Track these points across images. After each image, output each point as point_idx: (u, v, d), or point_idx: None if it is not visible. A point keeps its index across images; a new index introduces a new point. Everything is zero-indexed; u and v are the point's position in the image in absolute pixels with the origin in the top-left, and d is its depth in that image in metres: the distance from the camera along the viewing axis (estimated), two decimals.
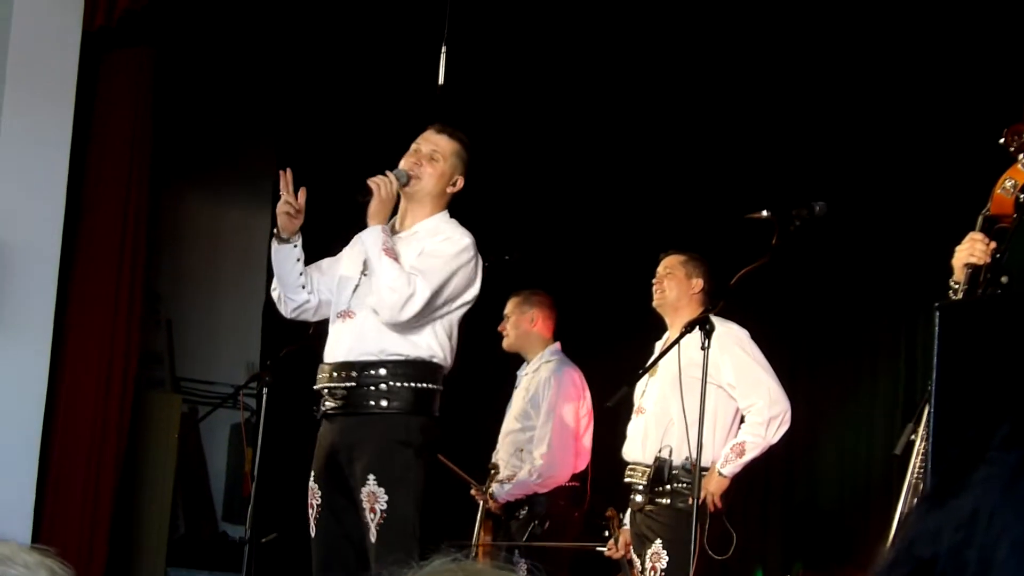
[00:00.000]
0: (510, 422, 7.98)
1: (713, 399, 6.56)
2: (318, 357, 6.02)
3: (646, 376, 6.81)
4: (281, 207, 5.90)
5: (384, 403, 5.77)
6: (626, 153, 10.34)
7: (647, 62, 9.91)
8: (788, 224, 6.20)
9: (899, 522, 4.58)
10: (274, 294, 6.14)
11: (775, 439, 6.68)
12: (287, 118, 10.21)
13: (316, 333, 7.68)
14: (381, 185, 5.87)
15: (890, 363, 8.85)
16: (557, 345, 8.07)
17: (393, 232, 6.00)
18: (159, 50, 9.05)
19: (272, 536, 8.41)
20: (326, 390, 5.88)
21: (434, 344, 5.86)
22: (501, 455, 7.96)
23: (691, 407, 6.36)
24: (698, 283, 7.02)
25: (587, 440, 7.89)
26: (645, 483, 6.67)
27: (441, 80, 7.83)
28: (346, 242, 6.24)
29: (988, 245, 4.53)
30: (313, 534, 5.89)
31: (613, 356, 10.40)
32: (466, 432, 9.86)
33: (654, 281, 7.11)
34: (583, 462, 7.82)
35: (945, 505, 0.96)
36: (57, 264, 8.16)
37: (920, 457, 4.43)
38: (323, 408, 5.88)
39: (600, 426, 8.04)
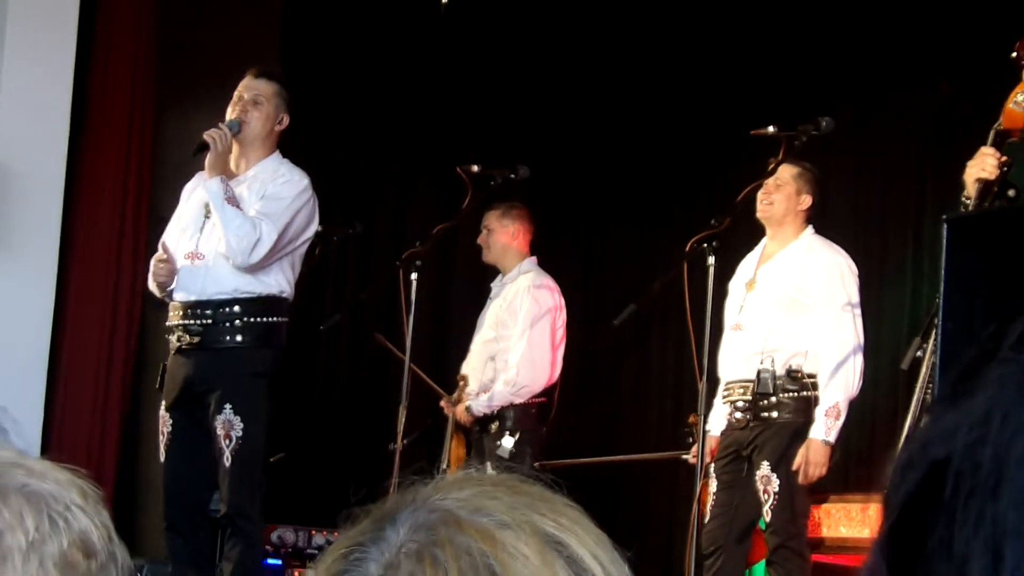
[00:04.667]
0: (484, 331, 7.94)
1: (807, 319, 6.51)
2: (320, 281, 6.18)
3: (743, 290, 6.69)
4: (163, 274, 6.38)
5: (239, 338, 6.22)
6: (631, 71, 10.31)
7: None
8: (794, 140, 6.17)
9: (908, 435, 4.58)
10: (151, 286, 6.55)
11: (857, 388, 6.54)
12: (290, 37, 10.16)
13: (322, 255, 7.71)
14: (217, 139, 6.25)
15: (897, 277, 8.86)
16: (534, 258, 8.01)
17: (231, 177, 6.37)
18: None
19: (280, 456, 8.45)
20: (181, 327, 6.28)
21: (282, 280, 6.32)
22: (472, 364, 7.93)
23: (790, 324, 6.48)
24: (806, 200, 6.68)
25: (560, 354, 7.86)
26: (748, 398, 6.53)
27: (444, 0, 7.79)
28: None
29: (999, 159, 4.51)
30: (163, 459, 6.35)
31: (605, 277, 10.42)
32: (435, 343, 9.92)
33: (761, 192, 6.66)
34: (555, 375, 7.80)
35: (958, 405, 0.95)
36: (62, 189, 8.14)
37: (928, 371, 4.43)
38: (178, 344, 6.29)
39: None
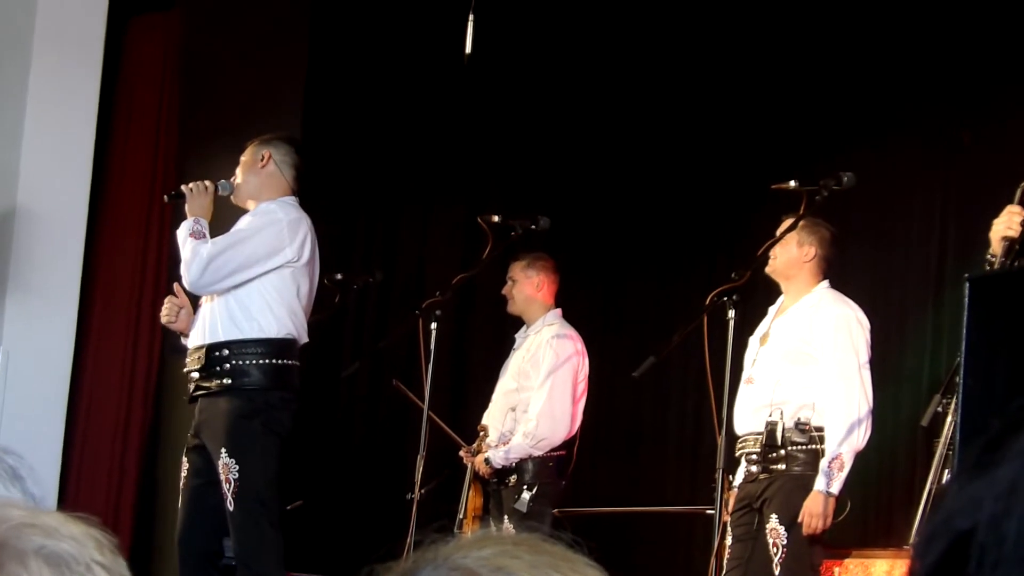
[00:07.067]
0: (506, 381, 7.92)
1: (814, 372, 6.50)
2: (339, 329, 6.18)
3: (757, 344, 6.70)
4: (170, 323, 6.57)
5: (228, 380, 6.26)
6: (652, 123, 10.32)
7: (674, 30, 9.89)
8: (815, 195, 6.16)
9: (929, 493, 4.57)
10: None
11: (862, 443, 6.53)
12: (315, 88, 10.21)
13: (341, 304, 7.72)
14: (193, 188, 6.43)
15: (917, 335, 8.84)
16: (559, 311, 8.00)
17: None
18: (186, 13, 9.04)
19: (297, 503, 8.44)
20: (188, 373, 6.40)
21: (268, 320, 6.33)
22: (493, 414, 7.90)
23: (798, 377, 6.46)
24: (810, 251, 6.64)
25: (581, 407, 7.83)
26: (758, 451, 6.49)
27: (468, 49, 7.81)
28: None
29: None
30: (180, 503, 6.43)
31: (625, 328, 10.41)
32: (454, 393, 9.91)
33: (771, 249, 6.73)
34: (574, 428, 7.78)
35: (983, 476, 0.95)
36: (83, 233, 8.16)
37: (950, 429, 4.42)
38: (190, 390, 6.41)
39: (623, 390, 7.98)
